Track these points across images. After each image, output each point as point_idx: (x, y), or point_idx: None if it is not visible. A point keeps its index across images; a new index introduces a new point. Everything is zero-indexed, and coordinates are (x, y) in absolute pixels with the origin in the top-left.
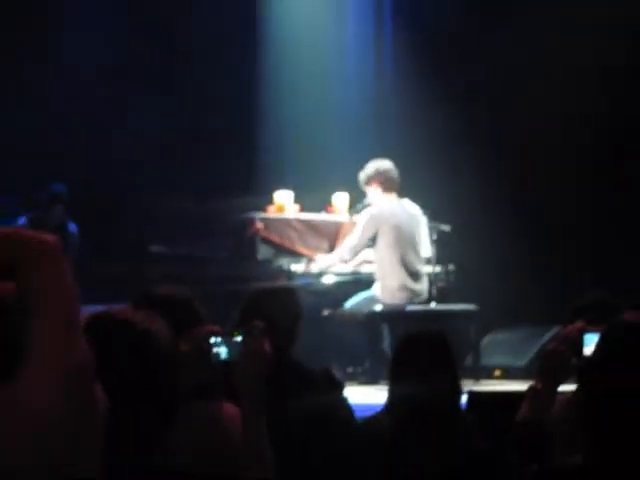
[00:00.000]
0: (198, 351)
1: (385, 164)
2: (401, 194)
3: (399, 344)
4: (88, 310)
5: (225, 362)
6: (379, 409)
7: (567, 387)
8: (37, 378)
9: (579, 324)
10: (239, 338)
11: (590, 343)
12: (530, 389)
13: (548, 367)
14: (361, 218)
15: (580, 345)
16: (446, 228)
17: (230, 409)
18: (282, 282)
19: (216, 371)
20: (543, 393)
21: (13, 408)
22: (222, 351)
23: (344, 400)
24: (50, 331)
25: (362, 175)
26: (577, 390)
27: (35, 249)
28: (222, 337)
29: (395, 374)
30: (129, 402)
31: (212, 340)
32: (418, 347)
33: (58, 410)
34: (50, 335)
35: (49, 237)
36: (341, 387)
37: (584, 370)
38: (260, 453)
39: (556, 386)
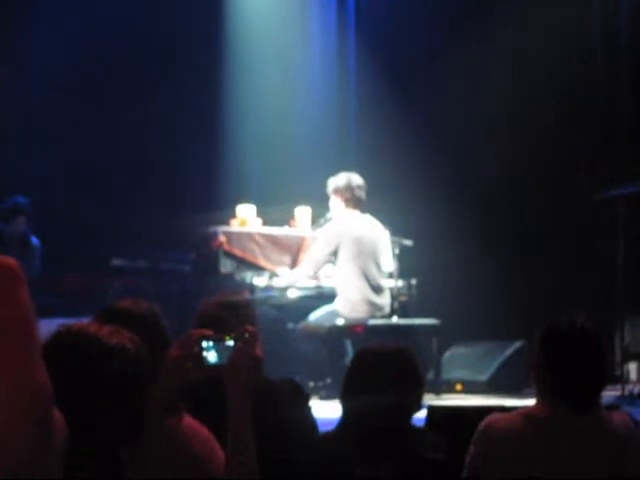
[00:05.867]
0: (189, 354)
1: (356, 180)
2: (364, 209)
3: (353, 359)
4: (51, 323)
5: (214, 366)
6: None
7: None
8: None
9: None
10: (231, 342)
11: None
12: None
13: None
14: (322, 233)
15: None
16: (408, 243)
17: (189, 422)
18: (240, 295)
19: (208, 374)
20: None
21: None
22: (210, 355)
23: (309, 411)
24: (7, 355)
25: (331, 183)
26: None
27: None
28: (213, 341)
29: (348, 388)
30: (95, 416)
31: (203, 344)
32: (371, 361)
33: (14, 433)
34: (7, 359)
35: (8, 260)
36: (307, 397)
37: None
38: (245, 454)
39: None
